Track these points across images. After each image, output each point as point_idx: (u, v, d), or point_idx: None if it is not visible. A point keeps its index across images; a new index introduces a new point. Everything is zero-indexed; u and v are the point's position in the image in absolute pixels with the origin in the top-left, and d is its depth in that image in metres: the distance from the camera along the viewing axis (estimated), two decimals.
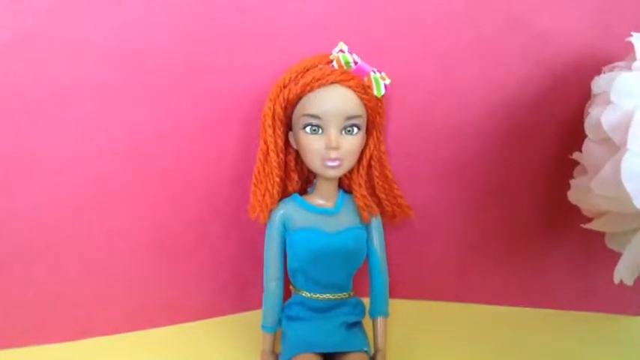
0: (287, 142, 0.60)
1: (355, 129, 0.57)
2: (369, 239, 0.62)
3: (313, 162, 0.57)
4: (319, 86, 0.55)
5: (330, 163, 0.56)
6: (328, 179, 0.59)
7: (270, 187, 0.59)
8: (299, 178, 0.63)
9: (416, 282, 0.75)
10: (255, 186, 0.59)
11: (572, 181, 0.60)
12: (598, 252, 0.66)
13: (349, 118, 0.56)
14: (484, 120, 0.67)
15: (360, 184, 0.61)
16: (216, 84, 0.62)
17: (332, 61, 0.57)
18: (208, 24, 0.60)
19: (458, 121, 0.68)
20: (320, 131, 0.56)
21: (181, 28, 0.59)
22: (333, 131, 0.55)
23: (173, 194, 0.65)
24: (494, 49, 0.65)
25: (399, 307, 0.70)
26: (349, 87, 0.56)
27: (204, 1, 0.59)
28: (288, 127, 0.60)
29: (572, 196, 0.60)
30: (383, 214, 0.64)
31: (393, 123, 0.67)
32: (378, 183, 0.63)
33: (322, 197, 0.60)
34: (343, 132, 0.56)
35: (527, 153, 0.69)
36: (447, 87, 0.66)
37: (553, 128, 0.67)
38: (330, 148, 0.55)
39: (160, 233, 0.66)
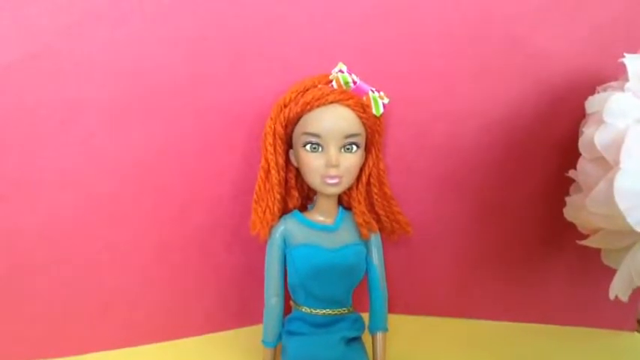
0: (287, 160, 0.62)
1: (354, 147, 0.58)
2: (368, 255, 0.63)
3: (313, 179, 0.58)
4: (319, 105, 0.57)
5: (330, 181, 0.57)
6: (328, 196, 0.60)
7: (270, 204, 0.60)
8: (299, 195, 0.64)
9: (415, 297, 0.76)
10: (256, 203, 0.60)
11: (567, 199, 0.61)
12: (595, 268, 0.66)
13: (348, 136, 0.57)
14: (482, 137, 0.69)
15: (359, 200, 0.62)
16: (219, 101, 0.64)
17: (331, 80, 0.58)
18: (212, 42, 0.61)
19: (456, 138, 0.69)
20: (320, 149, 0.57)
21: (185, 45, 0.61)
22: (332, 149, 0.56)
23: (176, 209, 0.66)
24: (493, 68, 0.66)
25: (398, 322, 0.70)
26: (348, 106, 0.57)
27: (208, 20, 0.61)
28: (289, 144, 0.61)
29: (568, 213, 0.61)
30: (382, 230, 0.65)
31: (392, 140, 0.68)
32: (377, 200, 0.64)
33: (322, 214, 0.61)
34: (342, 150, 0.57)
35: (525, 170, 0.70)
36: (446, 105, 0.68)
37: (550, 146, 0.68)
38: (330, 166, 0.56)
39: (162, 248, 0.67)
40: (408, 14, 0.64)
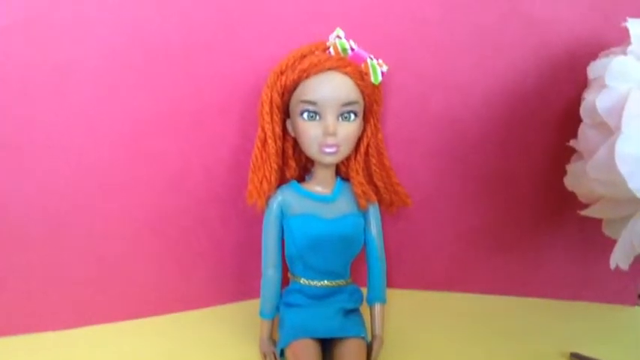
0: (285, 129, 0.61)
1: (352, 115, 0.57)
2: (366, 226, 0.62)
3: (311, 148, 0.57)
4: (316, 73, 0.55)
5: (328, 150, 0.56)
6: (325, 166, 0.59)
7: (267, 174, 0.59)
8: (297, 165, 0.63)
9: (414, 271, 0.75)
10: (253, 173, 0.60)
11: (568, 167, 0.60)
12: (596, 242, 0.66)
13: (346, 104, 0.56)
14: (482, 109, 0.68)
15: (357, 171, 0.62)
16: (215, 68, 0.63)
17: (329, 47, 0.57)
18: (208, 7, 0.61)
19: (456, 109, 0.68)
20: (317, 117, 0.56)
21: (180, 12, 0.60)
22: (330, 117, 0.55)
23: (171, 180, 0.65)
24: (492, 38, 0.65)
25: (396, 296, 0.70)
26: (346, 73, 0.56)
27: None
28: (286, 114, 0.60)
29: (569, 181, 0.60)
30: (380, 202, 0.65)
31: (390, 111, 0.67)
32: (375, 171, 0.63)
33: (320, 184, 0.60)
34: (340, 118, 0.56)
35: (526, 142, 0.69)
36: (445, 76, 0.67)
37: (551, 117, 0.68)
38: (327, 134, 0.55)
39: (158, 219, 0.66)
40: None
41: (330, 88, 0.55)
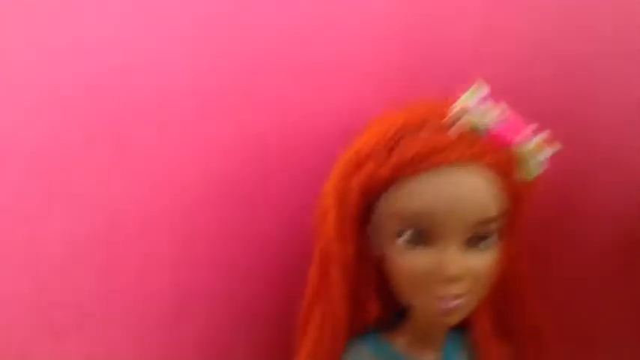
0: (361, 243, 0.35)
1: (490, 239, 0.32)
2: None
3: (414, 298, 0.33)
4: (430, 167, 0.30)
5: (446, 305, 0.31)
6: None
7: (328, 330, 0.35)
8: (380, 306, 0.37)
9: None
10: (305, 328, 0.35)
11: None
12: None
13: (482, 223, 0.31)
14: None
15: (484, 315, 0.36)
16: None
17: (453, 119, 0.31)
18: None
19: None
20: (428, 243, 0.31)
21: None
22: (452, 247, 0.31)
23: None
24: None
25: None
26: (484, 168, 0.31)
27: None
28: (365, 220, 0.35)
29: None
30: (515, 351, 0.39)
31: None
32: (510, 307, 0.38)
33: (419, 340, 0.36)
34: (469, 244, 0.32)
35: None
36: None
37: None
38: (447, 279, 0.30)
39: None
40: None
41: (456, 197, 0.31)
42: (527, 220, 0.37)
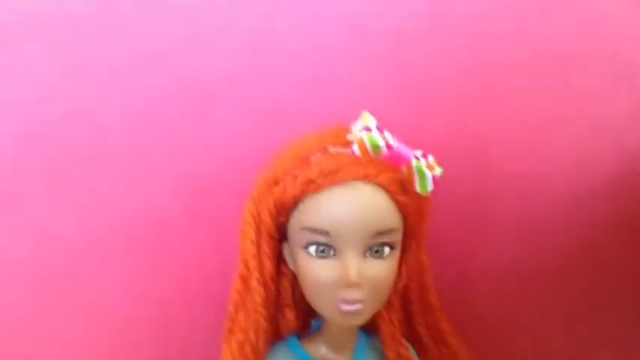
0: (279, 259, 0.40)
1: (387, 249, 0.36)
2: None
3: (320, 302, 0.37)
4: (331, 184, 0.35)
5: (347, 307, 0.35)
6: None
7: (252, 334, 0.38)
8: (297, 313, 0.41)
9: None
10: (230, 333, 0.39)
11: None
12: None
13: (378, 234, 0.35)
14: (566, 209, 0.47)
15: (391, 320, 0.40)
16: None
17: (351, 142, 0.35)
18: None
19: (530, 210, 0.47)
20: (331, 253, 0.35)
21: None
22: (351, 256, 0.35)
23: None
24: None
25: None
26: (379, 185, 0.35)
27: None
28: (282, 235, 0.39)
29: None
30: (424, 355, 0.43)
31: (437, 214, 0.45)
32: (417, 314, 0.42)
33: (332, 346, 0.40)
34: (368, 254, 0.36)
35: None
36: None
37: None
38: (348, 285, 0.34)
39: None
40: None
41: (354, 211, 0.35)
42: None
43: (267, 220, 0.37)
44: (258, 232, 0.37)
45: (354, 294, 0.35)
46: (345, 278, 0.34)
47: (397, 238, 0.37)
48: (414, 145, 0.37)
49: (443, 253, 0.46)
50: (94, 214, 0.46)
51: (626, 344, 0.53)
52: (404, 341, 0.41)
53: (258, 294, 0.38)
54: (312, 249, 0.35)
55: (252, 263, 0.37)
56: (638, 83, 0.48)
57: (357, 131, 0.36)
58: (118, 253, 0.46)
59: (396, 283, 0.39)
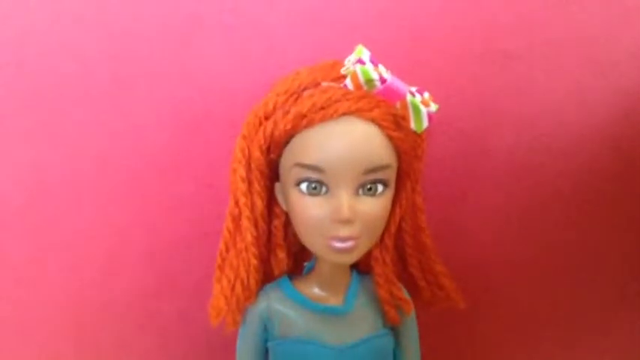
0: (271, 198, 0.39)
1: (380, 186, 0.35)
2: (397, 347, 0.41)
3: (312, 240, 0.36)
4: (323, 119, 0.34)
5: (339, 245, 0.35)
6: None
7: (243, 273, 0.38)
8: (289, 254, 0.41)
9: None
10: (220, 271, 0.39)
11: None
12: None
13: (371, 170, 0.34)
14: (566, 152, 0.47)
15: (384, 261, 0.40)
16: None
17: (344, 76, 0.35)
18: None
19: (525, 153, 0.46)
20: (323, 190, 0.35)
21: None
22: (344, 193, 0.34)
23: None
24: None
25: None
26: (372, 120, 0.34)
27: None
28: (274, 175, 0.38)
29: None
30: (417, 297, 0.43)
31: (432, 157, 0.44)
32: (411, 255, 0.42)
33: (324, 286, 0.40)
34: (361, 191, 0.35)
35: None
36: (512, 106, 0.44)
37: None
38: (340, 221, 0.34)
39: None
40: None
41: (346, 146, 0.34)
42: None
43: (257, 156, 0.36)
44: (248, 169, 0.37)
45: (346, 230, 0.34)
46: (338, 215, 0.34)
47: (391, 175, 0.36)
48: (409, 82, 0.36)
49: (436, 194, 0.46)
50: (79, 151, 0.45)
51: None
52: (397, 281, 0.40)
53: (249, 232, 0.37)
54: (304, 186, 0.35)
55: (243, 201, 0.37)
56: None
57: (350, 65, 0.35)
58: (105, 190, 0.46)
59: (389, 223, 0.39)
